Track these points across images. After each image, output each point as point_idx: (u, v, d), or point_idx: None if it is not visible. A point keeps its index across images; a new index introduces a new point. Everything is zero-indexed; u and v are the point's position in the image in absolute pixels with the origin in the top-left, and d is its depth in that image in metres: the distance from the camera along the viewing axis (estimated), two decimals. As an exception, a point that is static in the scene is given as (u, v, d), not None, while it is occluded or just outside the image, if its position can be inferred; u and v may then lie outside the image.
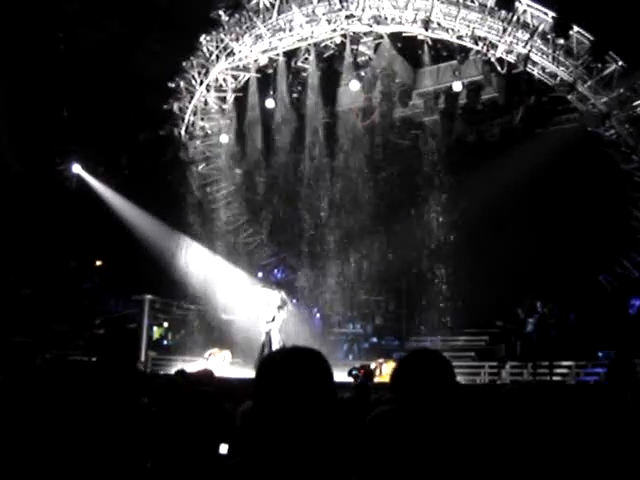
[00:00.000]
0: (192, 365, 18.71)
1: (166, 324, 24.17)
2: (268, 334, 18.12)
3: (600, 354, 16.49)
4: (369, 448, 3.05)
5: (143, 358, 20.80)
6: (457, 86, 19.02)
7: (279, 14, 19.61)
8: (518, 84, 18.79)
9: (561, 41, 17.32)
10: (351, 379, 9.95)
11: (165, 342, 24.09)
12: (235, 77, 21.72)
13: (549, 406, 4.26)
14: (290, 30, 19.79)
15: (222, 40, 20.49)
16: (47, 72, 21.22)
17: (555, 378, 15.98)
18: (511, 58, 17.90)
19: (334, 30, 19.57)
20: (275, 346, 18.04)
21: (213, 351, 18.75)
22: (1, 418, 3.50)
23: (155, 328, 23.44)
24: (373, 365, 17.19)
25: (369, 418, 3.29)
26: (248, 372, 17.72)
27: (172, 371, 17.47)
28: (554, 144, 18.34)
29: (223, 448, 5.51)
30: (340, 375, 13.48)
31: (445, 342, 19.85)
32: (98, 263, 24.92)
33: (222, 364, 18.56)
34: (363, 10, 18.76)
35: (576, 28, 17.13)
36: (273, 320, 18.20)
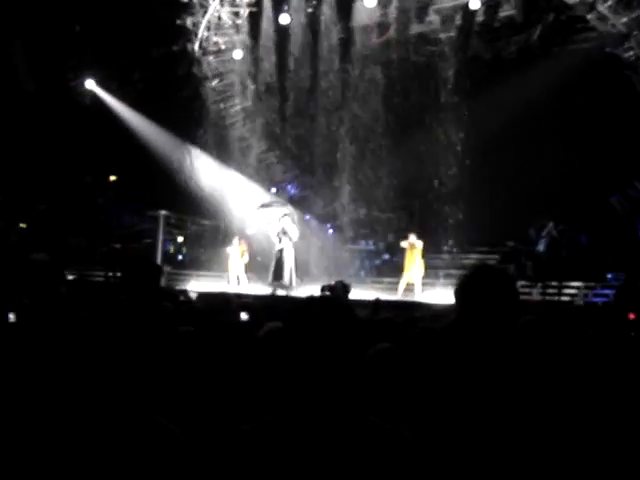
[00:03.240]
0: (206, 282, 19.27)
1: (180, 239, 24.51)
2: (281, 250, 18.49)
3: (609, 276, 16.73)
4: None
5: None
6: (474, 3, 18.72)
7: None
8: (537, 2, 18.51)
9: (582, -42, 16.98)
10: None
11: (180, 257, 24.49)
12: (249, -9, 21.39)
13: (563, 332, 4.50)
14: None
15: (236, -49, 20.14)
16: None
17: (564, 298, 16.31)
18: (531, -26, 17.56)
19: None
20: (288, 262, 18.44)
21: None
22: (32, 350, 3.42)
23: (171, 243, 23.83)
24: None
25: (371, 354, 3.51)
26: (262, 288, 18.19)
27: (187, 286, 18.00)
28: (571, 64, 18.11)
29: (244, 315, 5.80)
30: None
31: (455, 260, 20.10)
32: (112, 178, 25.05)
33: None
34: None
35: (598, -57, 16.76)
36: (285, 234, 18.52)
